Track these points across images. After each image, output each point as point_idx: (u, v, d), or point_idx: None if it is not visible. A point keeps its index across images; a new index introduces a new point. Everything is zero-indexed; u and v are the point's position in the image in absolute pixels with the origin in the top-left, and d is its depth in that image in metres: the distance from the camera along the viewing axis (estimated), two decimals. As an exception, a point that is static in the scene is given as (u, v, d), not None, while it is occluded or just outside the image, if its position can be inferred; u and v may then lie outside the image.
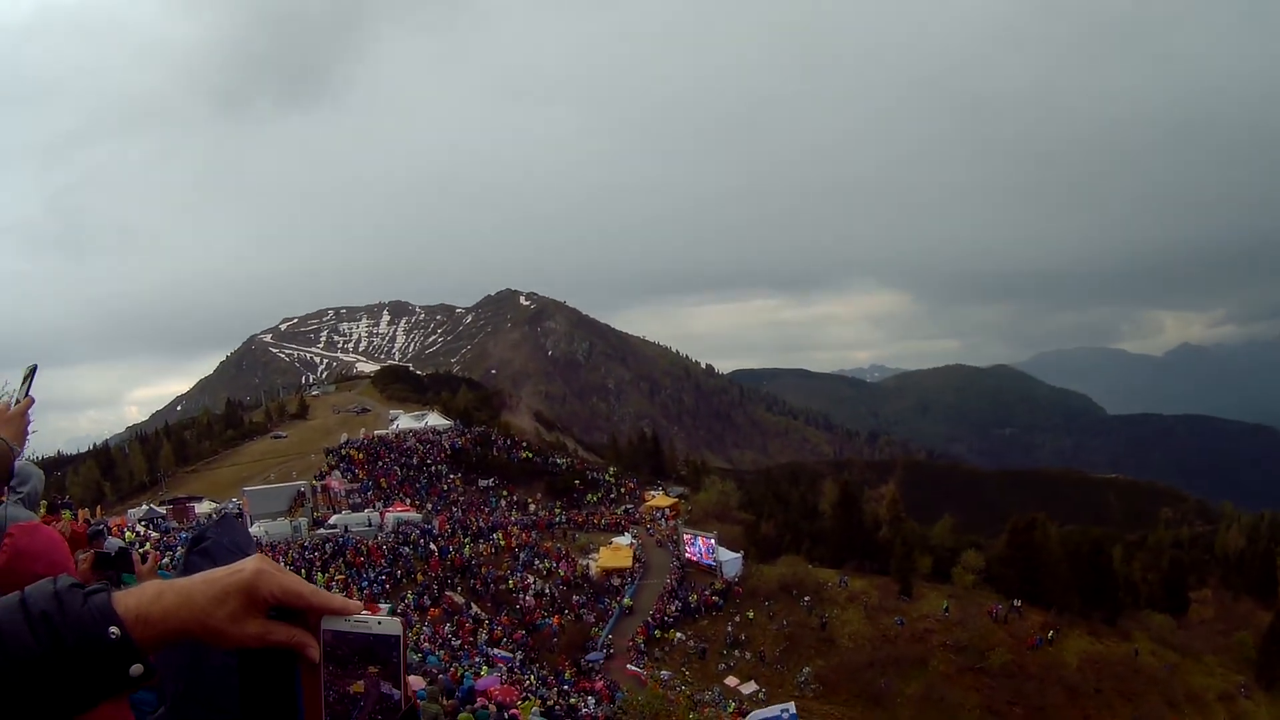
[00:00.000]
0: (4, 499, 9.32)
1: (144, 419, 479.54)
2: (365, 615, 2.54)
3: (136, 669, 2.34)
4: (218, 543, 3.49)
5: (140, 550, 39.29)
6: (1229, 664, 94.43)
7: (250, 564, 2.48)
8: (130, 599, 2.38)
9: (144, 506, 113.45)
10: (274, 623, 2.48)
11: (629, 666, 78.36)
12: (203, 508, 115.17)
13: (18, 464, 9.76)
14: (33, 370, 6.61)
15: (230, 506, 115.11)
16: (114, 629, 2.31)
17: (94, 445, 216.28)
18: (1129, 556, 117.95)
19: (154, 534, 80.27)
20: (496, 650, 72.61)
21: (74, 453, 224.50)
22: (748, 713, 70.47)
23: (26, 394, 6.45)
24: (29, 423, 6.71)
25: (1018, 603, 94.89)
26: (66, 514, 19.79)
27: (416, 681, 31.37)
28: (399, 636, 2.52)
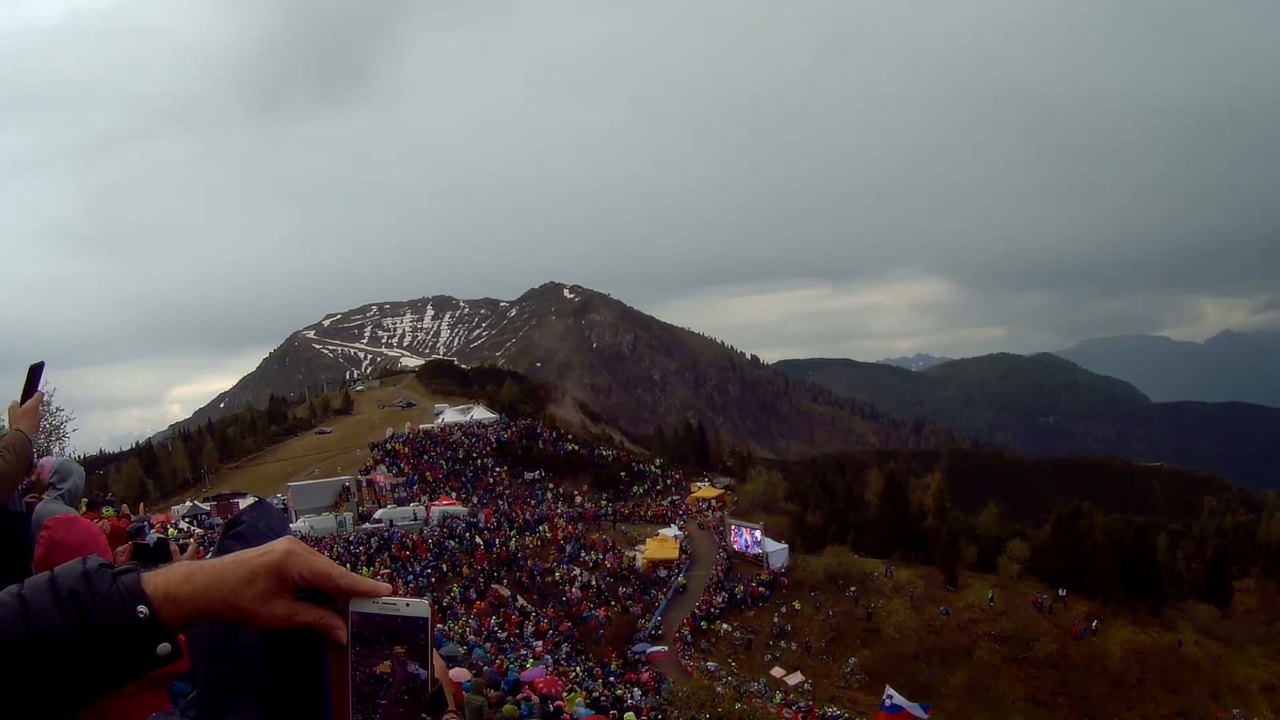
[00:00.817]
0: (44, 495, 9.49)
1: (186, 417, 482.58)
2: (393, 598, 2.56)
3: (164, 648, 2.35)
4: (252, 526, 3.51)
5: (180, 544, 39.61)
6: (1272, 654, 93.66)
7: (280, 545, 2.53)
8: (159, 579, 2.41)
9: (188, 503, 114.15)
10: (302, 604, 2.51)
11: (680, 659, 78.49)
12: (246, 503, 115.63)
13: (58, 460, 9.95)
14: (39, 367, 6.72)
15: (274, 501, 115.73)
16: (142, 608, 2.33)
17: (136, 443, 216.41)
18: (1172, 546, 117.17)
19: (198, 530, 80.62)
20: (538, 644, 72.69)
21: (116, 451, 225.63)
22: (794, 704, 70.54)
23: (35, 390, 6.56)
24: (41, 416, 6.84)
25: (1062, 592, 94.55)
26: (108, 510, 19.90)
27: (461, 674, 31.45)
28: (427, 619, 2.55)
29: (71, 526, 5.55)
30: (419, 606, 2.56)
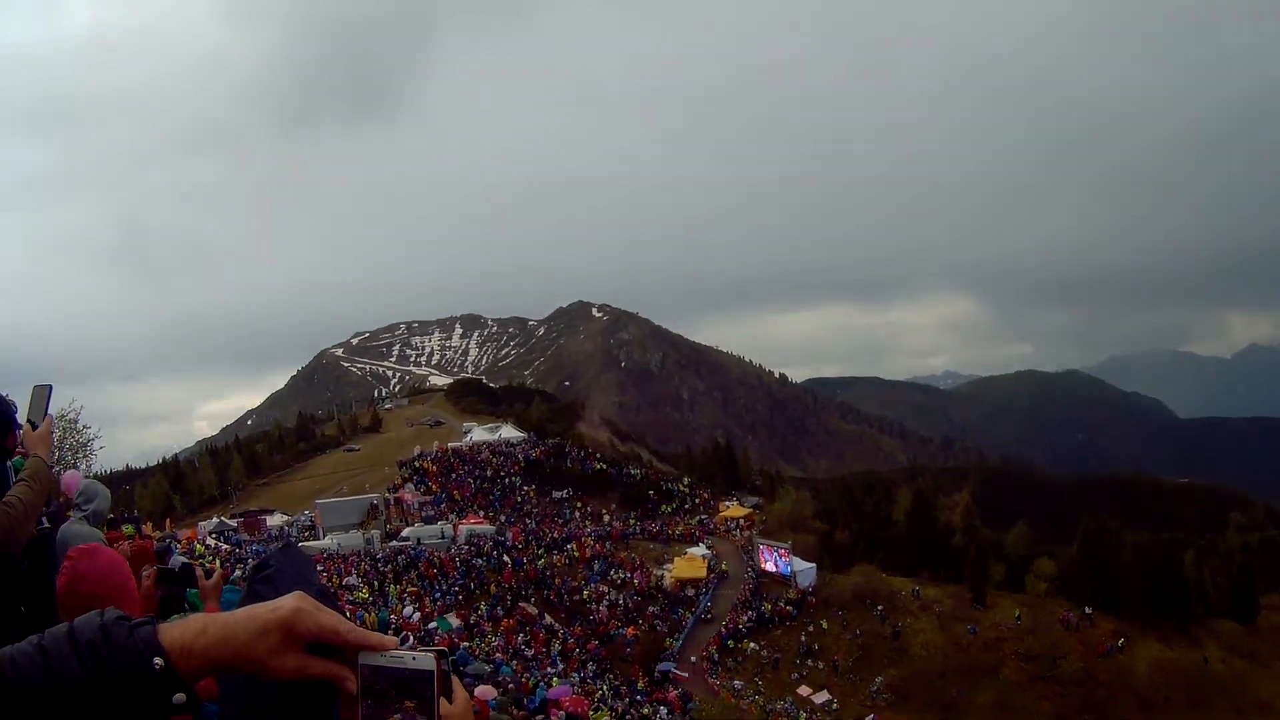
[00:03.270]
0: (69, 514, 9.63)
1: (214, 433, 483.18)
2: (400, 651, 2.68)
3: (179, 698, 2.48)
4: (280, 570, 3.63)
5: (204, 564, 39.76)
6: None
7: (289, 602, 2.66)
8: (175, 631, 2.55)
9: (214, 519, 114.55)
10: (311, 657, 2.65)
11: (707, 678, 78.56)
12: (274, 520, 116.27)
13: (85, 481, 10.11)
14: (48, 389, 6.86)
15: (301, 519, 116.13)
16: (158, 660, 2.44)
17: (163, 459, 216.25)
18: (1199, 562, 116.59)
19: (224, 546, 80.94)
20: (564, 662, 72.75)
21: (143, 466, 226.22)
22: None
23: (46, 414, 6.70)
24: (53, 440, 6.99)
25: (1089, 610, 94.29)
26: (129, 529, 20.04)
27: (488, 691, 31.52)
28: (433, 671, 2.67)
29: (94, 557, 5.65)
30: (425, 659, 2.67)
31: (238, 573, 45.50)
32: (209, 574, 7.54)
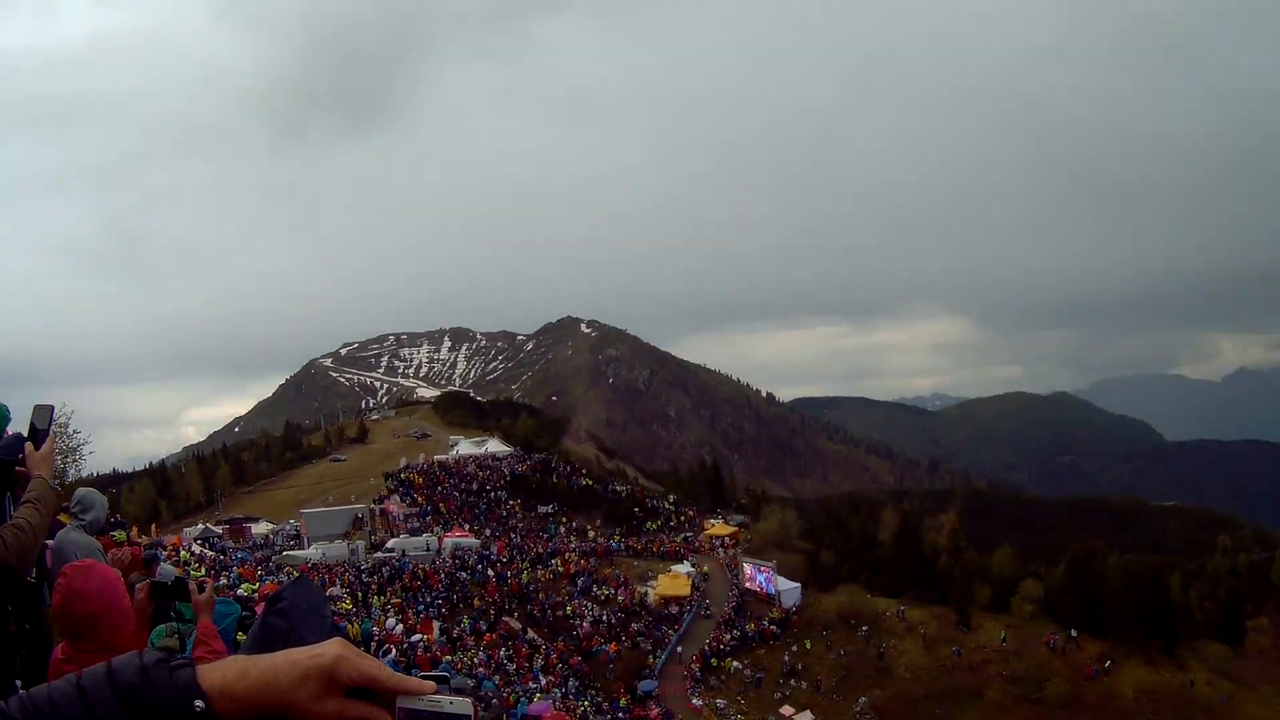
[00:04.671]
0: (66, 521, 9.62)
1: (201, 439, 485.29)
2: (438, 696, 2.66)
3: None
4: (293, 603, 3.60)
5: (190, 571, 39.66)
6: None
7: (332, 650, 2.64)
8: (215, 674, 2.53)
9: (200, 526, 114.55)
10: (351, 701, 2.62)
11: (690, 698, 78.52)
12: (259, 528, 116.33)
13: (81, 491, 10.12)
14: (49, 410, 6.84)
15: (286, 528, 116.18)
16: (199, 703, 2.42)
17: (150, 464, 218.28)
18: (1186, 585, 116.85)
19: (209, 553, 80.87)
20: (546, 678, 72.74)
21: (130, 471, 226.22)
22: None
23: (48, 434, 6.68)
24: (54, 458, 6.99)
25: (1075, 633, 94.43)
26: (120, 534, 19.99)
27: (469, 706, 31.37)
28: (469, 716, 2.66)
29: (89, 575, 5.64)
30: (462, 705, 2.66)
31: (223, 581, 45.49)
32: (201, 589, 7.52)
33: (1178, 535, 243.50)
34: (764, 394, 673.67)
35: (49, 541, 8.64)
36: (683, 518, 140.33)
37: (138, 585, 7.52)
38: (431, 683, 2.71)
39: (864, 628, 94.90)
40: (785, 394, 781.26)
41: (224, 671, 2.55)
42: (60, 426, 39.47)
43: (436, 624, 65.41)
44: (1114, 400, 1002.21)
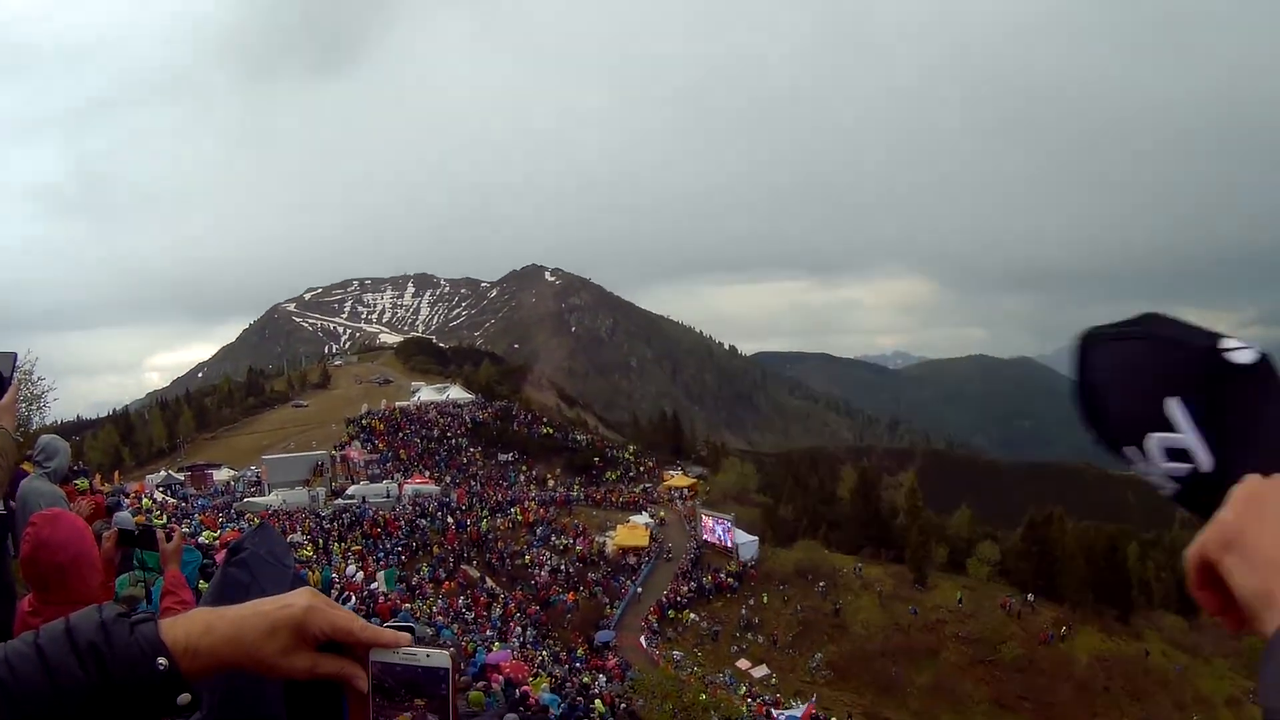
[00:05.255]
0: (30, 470, 9.52)
1: (165, 385, 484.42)
2: (414, 648, 2.45)
3: (184, 698, 2.28)
4: (254, 553, 3.49)
5: (151, 519, 39.42)
6: (1238, 669, 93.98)
7: (301, 600, 2.43)
8: (179, 630, 2.32)
9: (162, 472, 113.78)
10: (323, 655, 2.43)
11: (642, 643, 78.63)
12: (221, 475, 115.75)
13: (45, 438, 10.01)
14: (11, 357, 6.74)
15: (248, 474, 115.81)
16: (162, 660, 2.24)
17: (114, 410, 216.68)
18: (1143, 555, 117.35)
19: (171, 500, 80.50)
20: (505, 627, 72.80)
21: (94, 417, 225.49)
22: (759, 697, 70.76)
23: (10, 384, 6.58)
24: (16, 409, 6.89)
25: (1031, 597, 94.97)
26: (82, 482, 19.84)
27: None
28: (448, 669, 2.46)
29: (57, 523, 5.54)
30: (440, 657, 2.47)
31: (185, 529, 45.28)
32: (170, 537, 7.43)
33: (1136, 505, 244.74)
34: (726, 347, 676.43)
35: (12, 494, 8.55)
36: (642, 468, 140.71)
37: (105, 534, 7.44)
38: (407, 634, 2.54)
39: (821, 584, 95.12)
40: (747, 347, 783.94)
41: (188, 626, 2.35)
42: (25, 374, 39.06)
43: (382, 574, 64.76)
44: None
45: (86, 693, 2.17)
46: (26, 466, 10.38)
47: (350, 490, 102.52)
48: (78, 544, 5.54)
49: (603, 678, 60.39)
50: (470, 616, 72.28)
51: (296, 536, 76.77)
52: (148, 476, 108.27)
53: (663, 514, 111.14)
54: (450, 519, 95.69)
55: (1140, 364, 2.18)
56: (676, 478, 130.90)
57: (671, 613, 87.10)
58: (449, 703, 2.48)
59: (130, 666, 2.22)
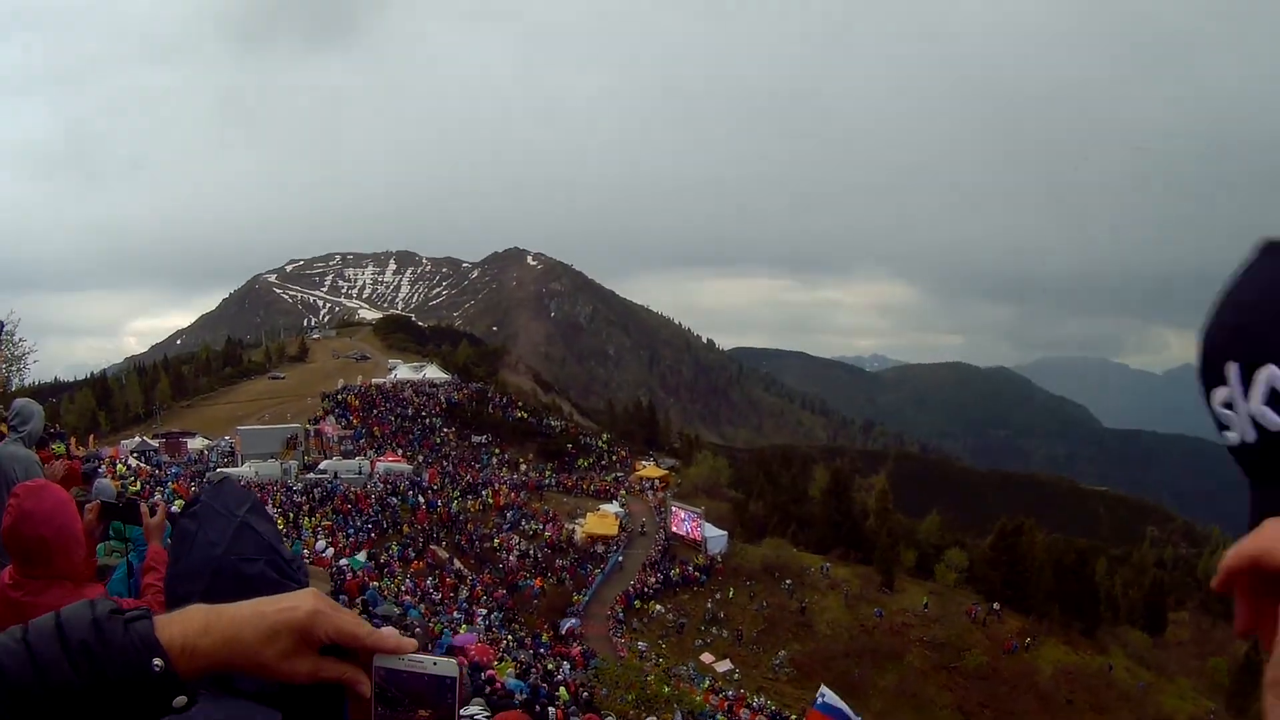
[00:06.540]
0: (3, 434, 9.40)
1: (143, 350, 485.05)
2: (419, 655, 2.38)
3: (180, 700, 2.16)
4: (208, 506, 3.41)
5: (126, 486, 39.22)
6: (1201, 688, 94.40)
7: (305, 602, 2.32)
8: (175, 628, 2.20)
9: (137, 438, 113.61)
10: (326, 660, 2.33)
11: (611, 637, 78.62)
12: (195, 443, 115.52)
13: (20, 401, 9.87)
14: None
15: (221, 444, 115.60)
16: (158, 661, 2.13)
17: (91, 374, 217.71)
18: (1112, 571, 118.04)
19: (145, 466, 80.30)
20: (471, 609, 72.73)
21: (71, 380, 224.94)
22: (720, 691, 70.76)
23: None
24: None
25: (997, 606, 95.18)
26: (59, 446, 19.67)
27: (394, 635, 31.32)
28: (454, 679, 2.39)
29: (41, 495, 5.43)
30: (447, 665, 2.41)
31: (157, 496, 45.13)
32: (153, 512, 7.32)
33: (1107, 520, 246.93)
34: (704, 340, 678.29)
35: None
36: (615, 457, 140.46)
37: (88, 506, 7.33)
38: (413, 640, 2.42)
39: (788, 581, 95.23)
40: (725, 342, 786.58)
41: (184, 626, 2.22)
42: (7, 335, 38.76)
43: (351, 560, 64.79)
44: (1052, 380, 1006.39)
45: (78, 693, 2.07)
46: (0, 429, 10.27)
47: (323, 465, 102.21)
48: (61, 517, 5.44)
49: (567, 665, 60.37)
50: (437, 597, 72.24)
51: (268, 509, 76.53)
52: (123, 442, 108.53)
53: (633, 508, 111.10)
54: (421, 498, 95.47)
55: None
56: (648, 468, 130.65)
57: (638, 603, 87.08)
58: (455, 713, 2.43)
59: (124, 667, 2.11)
